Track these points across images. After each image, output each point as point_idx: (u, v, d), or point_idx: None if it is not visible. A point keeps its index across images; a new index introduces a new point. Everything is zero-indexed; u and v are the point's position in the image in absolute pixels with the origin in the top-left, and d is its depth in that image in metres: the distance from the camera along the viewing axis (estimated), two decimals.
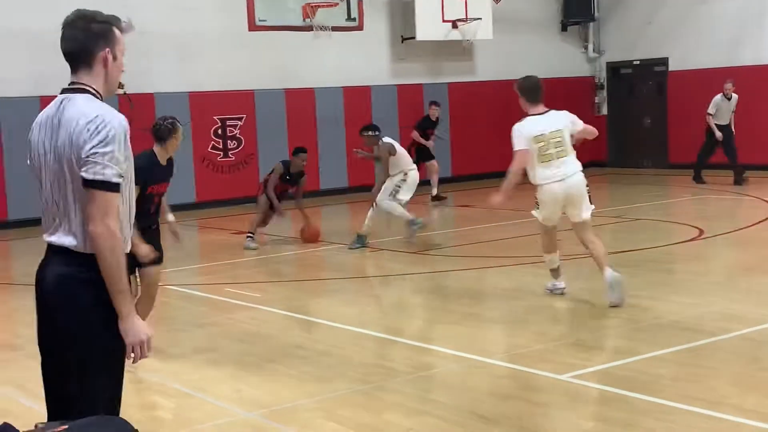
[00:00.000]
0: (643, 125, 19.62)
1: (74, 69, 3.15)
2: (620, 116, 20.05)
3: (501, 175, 15.23)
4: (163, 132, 6.48)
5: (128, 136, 3.09)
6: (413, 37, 17.46)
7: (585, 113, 20.41)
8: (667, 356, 5.82)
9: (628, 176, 18.36)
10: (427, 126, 15.90)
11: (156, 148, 6.50)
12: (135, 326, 3.06)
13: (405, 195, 10.96)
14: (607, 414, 4.86)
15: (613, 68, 20.05)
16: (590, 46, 20.03)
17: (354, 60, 17.32)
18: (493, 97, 18.87)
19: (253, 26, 16.21)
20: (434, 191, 15.63)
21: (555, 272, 7.77)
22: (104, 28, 3.15)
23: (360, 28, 17.16)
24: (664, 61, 18.92)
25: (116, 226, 3.01)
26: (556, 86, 19.38)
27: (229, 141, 16.34)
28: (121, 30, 3.20)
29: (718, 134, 15.49)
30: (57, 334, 3.09)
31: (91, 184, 2.98)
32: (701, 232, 10.69)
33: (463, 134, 18.67)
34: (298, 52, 16.65)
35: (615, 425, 4.68)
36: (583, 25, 19.86)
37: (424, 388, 5.51)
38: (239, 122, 16.43)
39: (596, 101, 20.17)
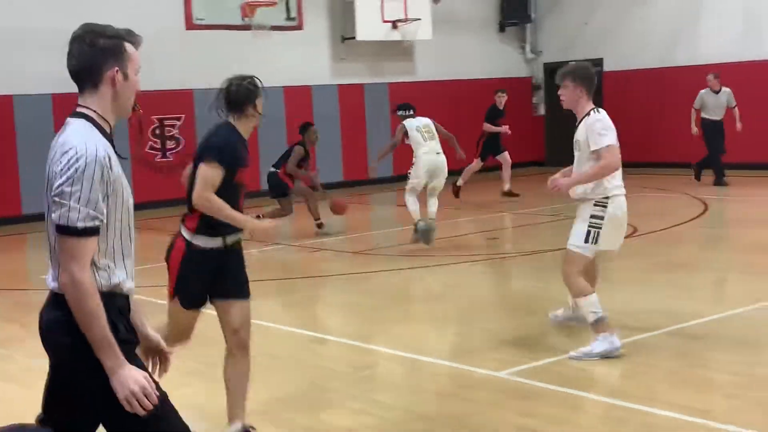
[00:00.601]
0: None
1: (80, 89, 2.87)
2: (558, 116, 20.30)
3: (449, 173, 15.25)
4: (240, 95, 4.62)
5: (109, 167, 2.76)
6: (354, 37, 17.49)
7: (523, 113, 20.75)
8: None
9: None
10: (496, 116, 15.66)
11: (234, 121, 4.66)
12: (122, 379, 2.72)
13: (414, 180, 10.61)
14: (543, 410, 4.95)
15: (551, 69, 20.29)
16: (528, 47, 20.28)
17: (294, 59, 17.29)
18: (433, 97, 19.00)
19: (190, 25, 16.08)
20: (506, 186, 15.04)
21: (603, 325, 5.73)
22: (113, 44, 2.85)
23: (300, 27, 17.14)
24: (599, 62, 19.23)
25: (83, 274, 2.71)
26: (494, 87, 19.58)
27: (167, 141, 16.20)
28: (135, 45, 2.94)
29: (694, 129, 15.17)
30: (52, 378, 2.92)
31: (57, 228, 2.72)
32: (635, 229, 10.91)
33: None
34: (237, 51, 16.55)
35: (549, 422, 4.78)
36: (521, 26, 20.10)
37: (365, 388, 5.55)
38: (178, 122, 16.30)
39: (534, 101, 20.45)
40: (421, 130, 10.65)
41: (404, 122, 10.77)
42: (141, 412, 2.73)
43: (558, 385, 5.30)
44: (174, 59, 15.91)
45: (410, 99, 18.73)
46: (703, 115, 15.11)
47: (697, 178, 15.26)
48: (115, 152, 2.84)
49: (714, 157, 15.05)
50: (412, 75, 18.94)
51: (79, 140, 2.75)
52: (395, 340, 6.62)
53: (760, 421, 4.64)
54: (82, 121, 2.83)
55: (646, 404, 4.92)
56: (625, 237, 10.47)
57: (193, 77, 16.21)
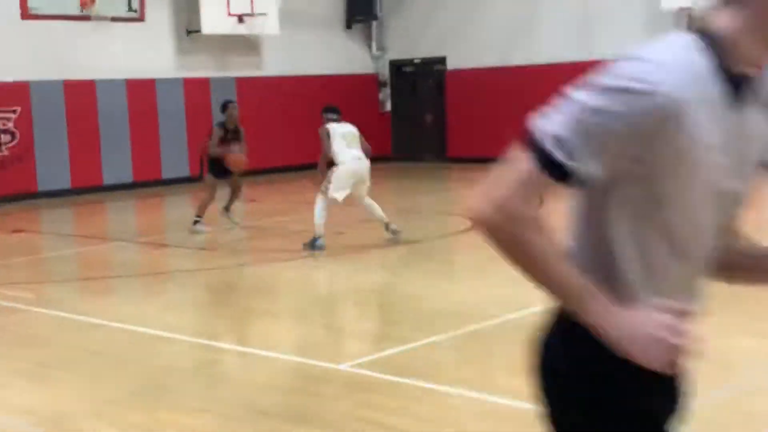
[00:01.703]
0: (425, 121, 20.33)
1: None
2: (403, 113, 20.67)
3: (292, 169, 15.25)
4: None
5: None
6: (199, 30, 17.21)
7: (370, 110, 20.99)
8: (444, 342, 6.09)
9: (411, 170, 18.97)
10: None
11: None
12: (624, 320, 1.66)
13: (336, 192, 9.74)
14: (382, 401, 5.03)
15: (396, 66, 20.62)
16: (374, 44, 20.50)
17: (137, 52, 16.86)
18: (281, 92, 18.95)
19: (26, 14, 15.42)
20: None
21: None
22: None
23: (141, 19, 16.70)
24: (442, 60, 19.67)
25: None
26: (341, 83, 19.78)
27: (2, 135, 15.47)
28: None
29: None
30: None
31: None
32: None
33: (253, 128, 18.58)
34: (76, 42, 15.99)
35: (390, 413, 4.85)
36: (367, 23, 20.30)
37: (206, 385, 5.48)
38: (13, 115, 15.59)
39: (381, 98, 20.69)
40: (346, 137, 10.02)
41: (329, 126, 10.03)
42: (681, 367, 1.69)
43: (400, 376, 5.39)
44: (8, 50, 15.21)
45: (258, 93, 18.75)
46: None
47: None
48: None
49: None
50: (260, 70, 18.81)
51: None
52: (239, 336, 6.58)
53: None
54: None
55: (485, 391, 5.07)
56: (466, 230, 10.77)
57: (29, 69, 15.55)
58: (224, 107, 11.41)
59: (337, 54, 19.93)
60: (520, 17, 18.48)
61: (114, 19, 16.06)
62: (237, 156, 11.12)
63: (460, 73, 19.41)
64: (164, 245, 10.58)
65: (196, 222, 11.09)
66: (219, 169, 11.17)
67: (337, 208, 13.37)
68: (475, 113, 19.03)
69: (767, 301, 6.81)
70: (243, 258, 9.76)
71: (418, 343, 6.04)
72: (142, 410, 5.04)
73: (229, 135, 11.16)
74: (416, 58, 20.23)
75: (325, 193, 9.62)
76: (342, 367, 5.61)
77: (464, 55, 19.27)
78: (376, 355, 5.87)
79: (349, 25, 20.14)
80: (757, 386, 5.07)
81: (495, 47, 18.81)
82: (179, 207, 15.04)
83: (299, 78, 19.22)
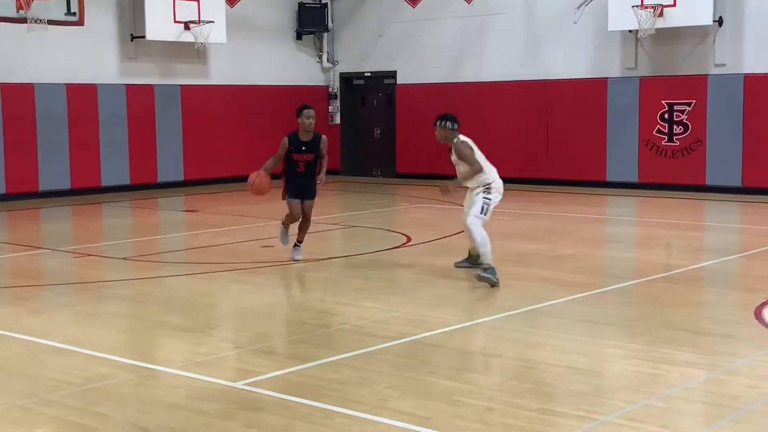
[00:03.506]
0: (374, 135, 20.24)
1: None
2: (353, 126, 20.57)
3: (236, 179, 14.98)
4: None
5: None
6: (143, 36, 17.00)
7: (319, 122, 20.78)
8: (343, 361, 5.95)
9: (359, 184, 18.86)
10: None
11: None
12: None
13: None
14: (267, 421, 4.88)
15: (346, 79, 20.53)
16: (324, 56, 20.41)
17: (78, 56, 16.61)
18: (228, 101, 18.77)
19: None
20: None
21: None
22: None
23: (81, 23, 16.42)
24: (392, 74, 19.62)
25: None
26: (290, 94, 19.67)
27: None
28: None
29: None
30: None
31: None
32: (408, 239, 11.14)
33: (197, 137, 18.40)
34: (12, 45, 15.71)
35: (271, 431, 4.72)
36: (318, 35, 20.21)
37: (91, 401, 5.29)
38: None
39: (330, 110, 20.58)
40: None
41: (465, 138, 8.76)
42: None
43: (291, 395, 5.25)
44: None
45: (203, 102, 18.54)
46: None
47: None
48: None
49: None
50: (206, 78, 18.64)
51: None
52: (138, 350, 6.40)
53: (476, 429, 4.76)
54: None
55: (373, 412, 4.95)
56: (397, 247, 10.66)
57: None
58: (299, 111, 9.47)
59: (287, 65, 19.81)
60: (469, 34, 18.50)
61: (51, 23, 15.76)
62: (259, 178, 9.26)
63: (410, 87, 19.36)
64: (90, 255, 10.35)
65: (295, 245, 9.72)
66: (295, 187, 9.48)
67: (269, 221, 13.27)
68: (425, 129, 18.93)
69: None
70: (167, 270, 9.57)
71: (320, 362, 5.91)
72: (20, 425, 4.85)
73: (306, 145, 9.37)
74: (367, 72, 20.16)
75: (486, 210, 8.52)
76: (237, 384, 5.46)
77: (414, 69, 19.24)
78: (275, 374, 5.71)
79: (299, 36, 20.03)
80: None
81: (445, 63, 18.81)
82: (114, 216, 14.80)
83: (247, 87, 19.07)
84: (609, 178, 16.96)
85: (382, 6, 19.69)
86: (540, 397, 5.26)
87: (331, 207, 14.92)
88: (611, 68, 16.90)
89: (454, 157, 8.59)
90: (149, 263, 9.96)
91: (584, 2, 16.68)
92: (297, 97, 19.77)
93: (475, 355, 6.14)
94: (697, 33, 15.76)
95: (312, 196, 9.60)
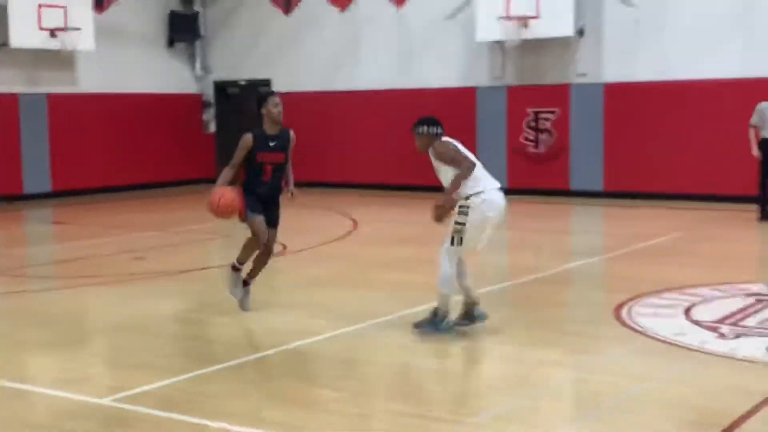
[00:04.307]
0: None
1: None
2: (229, 134, 20.33)
3: (108, 190, 14.59)
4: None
5: None
6: (6, 44, 16.40)
7: (193, 131, 20.59)
8: (216, 372, 5.89)
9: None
10: None
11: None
12: None
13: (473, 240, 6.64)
14: None
15: (221, 87, 20.32)
16: (197, 64, 20.14)
17: None
18: (98, 109, 18.30)
19: None
20: None
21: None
22: None
23: None
24: (267, 82, 19.54)
25: None
26: (163, 102, 19.34)
27: None
28: None
29: (755, 151, 12.78)
30: None
31: None
32: (285, 248, 11.12)
33: (66, 147, 17.86)
34: None
35: None
36: (190, 42, 19.93)
37: None
38: None
39: (205, 119, 20.32)
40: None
41: (450, 139, 7.37)
42: None
43: (163, 410, 5.16)
44: None
45: (72, 111, 18.00)
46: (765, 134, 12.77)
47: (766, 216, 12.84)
48: None
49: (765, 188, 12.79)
50: (74, 86, 18.10)
51: None
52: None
53: None
54: None
55: (246, 424, 4.92)
56: (274, 255, 10.60)
57: None
58: (262, 100, 7.47)
59: (159, 73, 19.46)
60: (343, 43, 18.60)
61: None
62: (224, 195, 7.12)
63: (284, 96, 19.22)
64: None
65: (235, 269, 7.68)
66: (259, 201, 7.37)
67: (138, 233, 12.95)
68: (299, 137, 18.92)
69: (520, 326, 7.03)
70: (34, 284, 9.25)
71: (193, 374, 5.84)
72: None
73: (274, 140, 7.37)
74: (241, 80, 20.01)
75: (459, 238, 6.55)
76: (104, 401, 5.33)
77: (289, 78, 19.21)
78: (146, 388, 5.61)
79: (171, 44, 19.70)
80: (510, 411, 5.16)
81: (319, 71, 18.86)
82: None
83: (118, 96, 18.62)
84: None
85: (255, 14, 19.58)
86: (414, 401, 5.35)
87: (206, 215, 14.73)
88: (480, 78, 17.30)
89: (435, 164, 6.61)
90: (14, 277, 9.61)
91: (454, 13, 17.04)
92: (170, 106, 19.50)
93: (351, 362, 6.19)
94: (560, 44, 16.31)
95: (276, 222, 7.41)
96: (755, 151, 12.75)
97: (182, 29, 19.58)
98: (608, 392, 5.45)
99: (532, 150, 16.90)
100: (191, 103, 20.08)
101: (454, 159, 6.49)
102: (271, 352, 6.39)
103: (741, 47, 14.95)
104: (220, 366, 6.02)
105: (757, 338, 6.49)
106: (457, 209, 6.45)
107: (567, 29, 15.84)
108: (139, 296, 8.53)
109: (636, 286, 8.29)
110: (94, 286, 8.96)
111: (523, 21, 15.97)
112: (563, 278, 9.27)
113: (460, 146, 6.63)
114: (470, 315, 6.73)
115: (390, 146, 17.97)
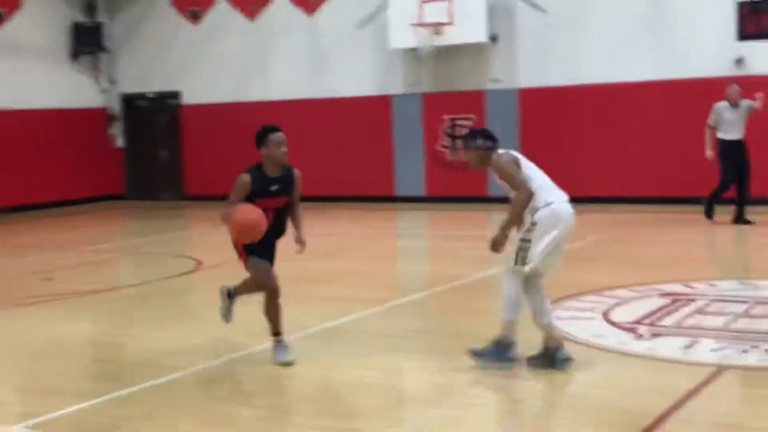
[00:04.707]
0: (160, 158, 19.69)
1: None
2: (137, 148, 19.92)
3: (8, 210, 14.15)
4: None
5: None
6: None
7: (100, 145, 20.08)
8: (131, 395, 5.67)
9: (146, 209, 18.28)
10: None
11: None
12: None
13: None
14: None
15: (128, 100, 19.88)
16: (103, 77, 19.66)
17: None
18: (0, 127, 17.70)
19: None
20: None
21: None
22: None
23: None
24: (177, 95, 19.21)
25: None
26: (67, 117, 18.81)
27: None
28: None
29: (708, 153, 12.62)
30: None
31: None
32: (200, 263, 10.88)
33: None
34: None
35: None
36: (95, 55, 19.42)
37: None
38: None
39: (112, 133, 19.84)
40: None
41: (511, 152, 6.74)
42: None
43: None
44: None
45: None
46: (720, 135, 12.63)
47: (710, 215, 12.76)
48: None
49: (725, 186, 12.65)
50: None
51: None
52: None
53: None
54: None
55: None
56: (188, 272, 10.35)
57: None
58: (261, 138, 6.33)
59: (62, 87, 18.89)
60: (254, 52, 18.40)
61: None
62: (242, 210, 6.18)
63: (195, 108, 19.01)
64: None
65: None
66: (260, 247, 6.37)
67: (49, 251, 12.52)
68: (212, 149, 18.68)
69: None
70: None
71: (107, 398, 5.61)
72: None
73: (277, 183, 6.33)
74: (150, 92, 19.61)
75: (523, 257, 5.90)
76: (17, 428, 5.08)
77: (199, 89, 18.91)
78: (58, 413, 5.36)
79: (75, 57, 19.16)
80: None
81: (230, 82, 18.60)
82: None
83: (20, 112, 18.01)
84: (398, 192, 17.34)
85: (162, 24, 19.22)
86: (335, 415, 5.24)
87: (116, 233, 14.39)
88: (395, 85, 17.30)
89: (500, 181, 5.99)
90: None
91: (367, 20, 17.01)
92: (75, 121, 18.96)
93: (271, 378, 6.04)
94: (474, 50, 16.42)
95: (272, 260, 6.45)
96: (709, 153, 12.68)
97: (86, 41, 19.06)
98: (529, 398, 5.43)
99: (449, 157, 16.96)
100: (96, 117, 19.58)
101: (512, 180, 5.80)
102: (187, 371, 6.19)
103: (651, 50, 15.28)
104: (135, 388, 5.80)
105: (674, 338, 6.57)
106: (525, 227, 5.79)
107: (480, 35, 15.95)
108: (49, 318, 8.21)
109: (555, 290, 8.30)
110: (2, 309, 8.59)
111: (437, 28, 16.03)
112: (483, 286, 9.27)
113: (523, 161, 5.94)
114: (551, 356, 5.88)
115: (304, 156, 17.80)
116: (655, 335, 6.62)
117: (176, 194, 19.37)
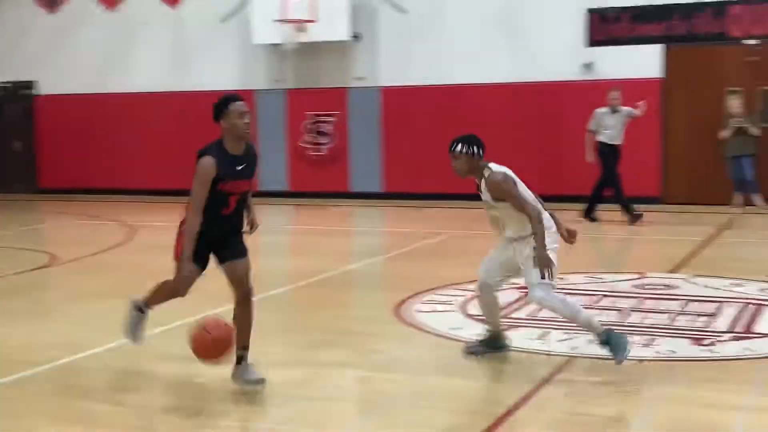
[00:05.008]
0: (13, 149, 18.96)
1: None
2: None
3: None
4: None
5: None
6: None
7: None
8: None
9: None
10: None
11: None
12: None
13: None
14: None
15: None
16: None
17: None
18: None
19: None
20: None
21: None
22: None
23: None
24: (31, 85, 18.56)
25: None
26: None
27: None
28: None
29: (588, 157, 13.04)
30: None
31: None
32: (54, 258, 10.57)
33: None
34: None
35: None
36: None
37: None
38: None
39: None
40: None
41: (505, 169, 6.54)
42: None
43: None
44: None
45: None
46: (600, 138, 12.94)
47: (591, 216, 13.07)
48: None
49: (617, 188, 12.94)
50: None
51: None
52: None
53: None
54: None
55: None
56: (41, 267, 10.05)
57: None
58: (220, 109, 5.72)
59: None
60: (114, 43, 17.96)
61: None
62: (216, 327, 5.50)
63: (52, 98, 18.39)
64: None
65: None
66: (210, 240, 5.67)
67: None
68: (68, 141, 18.14)
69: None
70: None
71: None
72: None
73: (239, 167, 5.56)
74: (4, 81, 18.85)
75: (550, 271, 5.74)
76: None
77: (56, 80, 18.32)
78: None
79: None
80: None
81: (88, 73, 18.10)
82: None
83: None
84: (261, 188, 17.24)
85: (17, 13, 18.49)
86: (196, 412, 5.23)
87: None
88: (258, 81, 17.22)
89: (486, 197, 5.87)
90: None
91: (229, 15, 16.86)
92: None
93: (130, 374, 5.96)
94: (338, 48, 16.54)
95: (244, 252, 5.71)
96: (589, 157, 13.03)
97: None
98: (390, 390, 5.57)
99: (312, 153, 17.02)
100: None
101: (516, 200, 5.73)
102: (42, 368, 6.03)
103: (505, 53, 15.77)
104: None
105: (528, 329, 6.85)
106: (533, 242, 5.66)
107: (343, 34, 16.09)
108: None
109: (416, 284, 8.54)
110: None
111: (300, 25, 16.05)
112: (345, 280, 9.39)
113: (517, 180, 5.86)
114: (492, 343, 6.16)
115: (164, 150, 17.53)
116: (510, 327, 6.87)
117: (30, 187, 18.70)
